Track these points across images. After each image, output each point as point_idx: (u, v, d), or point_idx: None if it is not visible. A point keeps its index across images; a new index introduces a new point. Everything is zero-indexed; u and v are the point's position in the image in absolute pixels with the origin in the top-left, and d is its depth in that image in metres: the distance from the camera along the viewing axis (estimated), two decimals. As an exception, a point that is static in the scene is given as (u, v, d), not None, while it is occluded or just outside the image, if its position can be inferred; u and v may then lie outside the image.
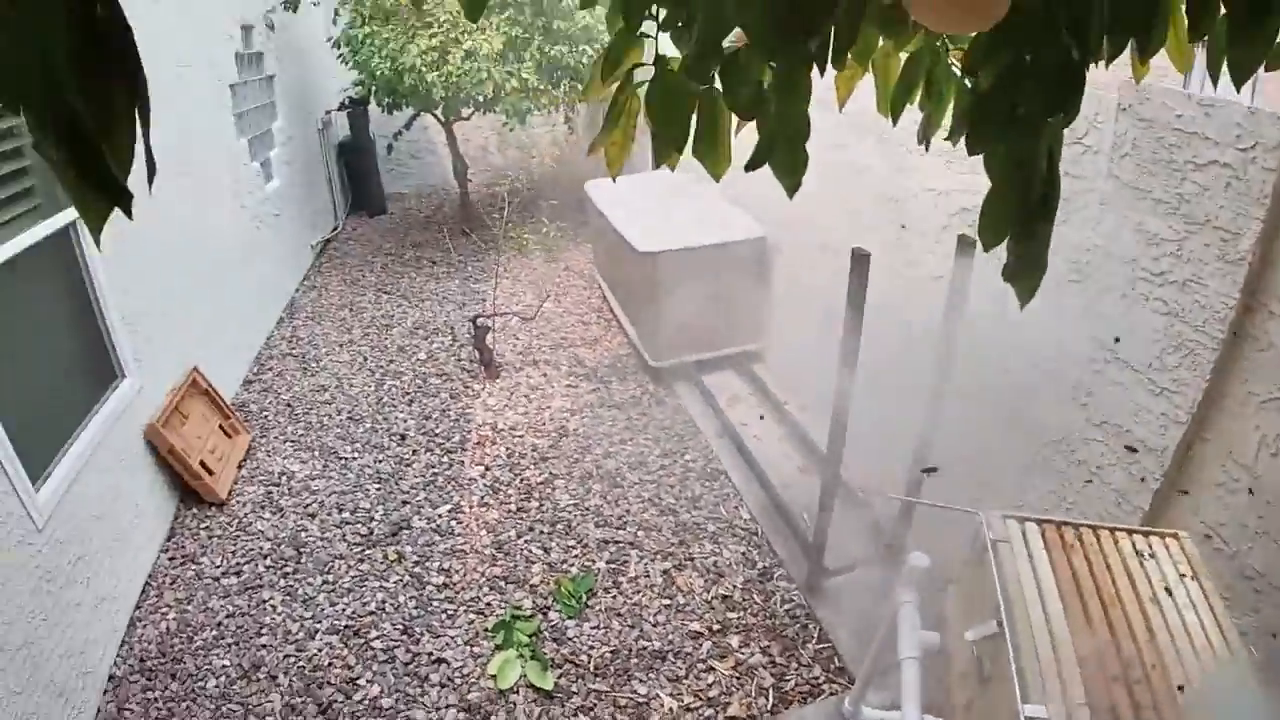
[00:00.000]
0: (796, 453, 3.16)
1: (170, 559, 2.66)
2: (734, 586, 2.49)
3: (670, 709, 2.09)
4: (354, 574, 2.57)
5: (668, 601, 2.43)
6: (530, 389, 3.68)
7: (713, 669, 2.21)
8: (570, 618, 2.37)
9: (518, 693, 2.13)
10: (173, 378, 3.00)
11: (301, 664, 2.25)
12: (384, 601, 2.44)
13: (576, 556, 2.62)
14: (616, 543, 2.67)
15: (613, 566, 2.57)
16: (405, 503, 2.91)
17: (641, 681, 2.17)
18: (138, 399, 2.68)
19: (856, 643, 2.26)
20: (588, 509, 2.82)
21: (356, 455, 3.20)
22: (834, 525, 2.36)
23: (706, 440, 3.28)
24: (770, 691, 2.14)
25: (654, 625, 2.35)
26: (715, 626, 2.35)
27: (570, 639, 2.30)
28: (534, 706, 2.10)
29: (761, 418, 3.41)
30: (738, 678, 2.19)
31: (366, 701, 2.12)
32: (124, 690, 2.19)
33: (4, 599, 1.82)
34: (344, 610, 2.42)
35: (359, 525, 2.79)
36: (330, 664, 2.24)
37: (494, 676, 2.16)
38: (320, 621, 2.39)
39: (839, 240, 2.74)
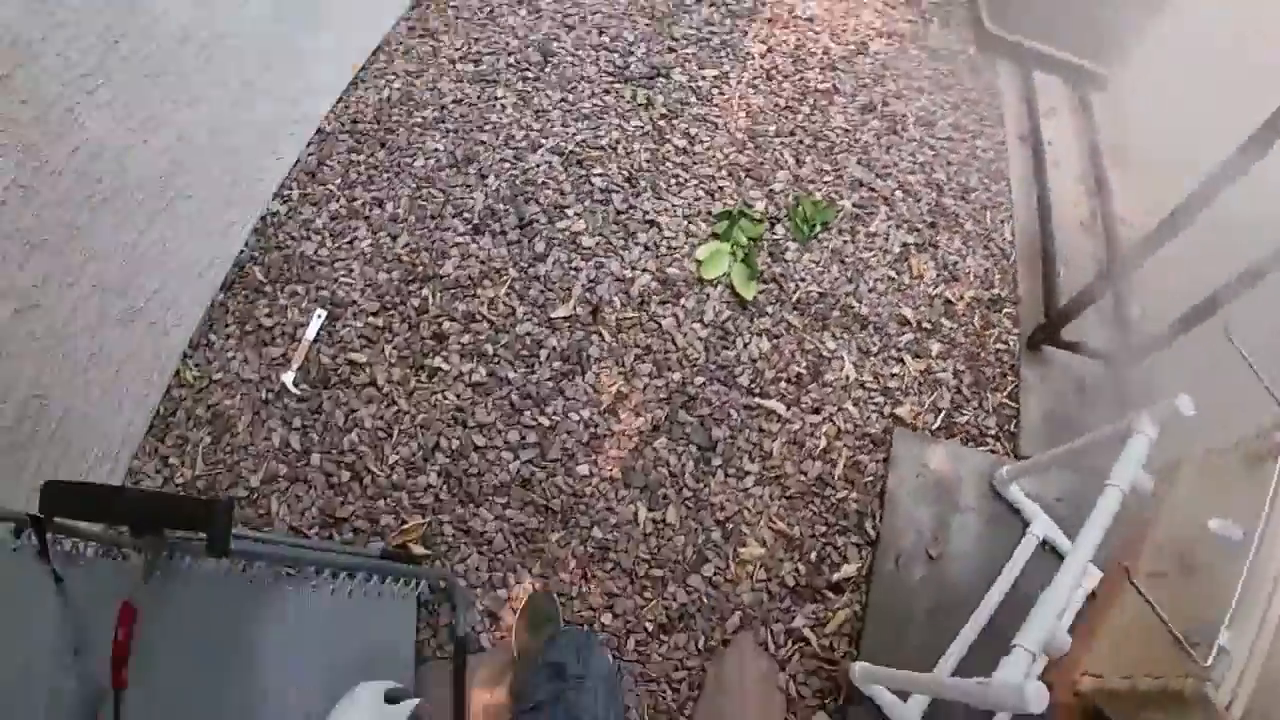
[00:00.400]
0: (1088, 205, 2.50)
1: (410, 29, 2.53)
2: (960, 297, 2.21)
3: (847, 376, 2.05)
4: (596, 103, 2.40)
5: (893, 275, 2.21)
6: (838, -20, 2.89)
7: (902, 361, 2.10)
8: (795, 240, 2.20)
9: (715, 287, 2.11)
10: None
11: (515, 173, 2.25)
12: (617, 142, 2.31)
13: (827, 184, 2.33)
14: (871, 190, 2.34)
15: (857, 212, 2.29)
16: (671, 50, 2.56)
17: (834, 337, 2.10)
18: None
19: (1042, 424, 2.06)
20: (856, 141, 2.42)
21: (629, -25, 2.73)
22: (1094, 308, 1.93)
23: (1005, 136, 2.62)
24: (941, 415, 2.04)
25: (869, 289, 2.18)
26: (925, 324, 2.16)
27: (787, 261, 2.18)
28: (724, 308, 2.09)
29: (1072, 149, 2.62)
30: (920, 383, 2.08)
31: (568, 233, 2.16)
32: (329, 146, 2.28)
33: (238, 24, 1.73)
34: (574, 135, 2.33)
35: (615, 55, 2.52)
36: (544, 183, 2.24)
37: (699, 262, 2.12)
38: (547, 139, 2.32)
39: None
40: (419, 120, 2.36)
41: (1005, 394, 2.12)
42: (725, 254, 2.12)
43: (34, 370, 1.47)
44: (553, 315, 2.03)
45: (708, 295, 2.10)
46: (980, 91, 2.71)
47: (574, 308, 2.05)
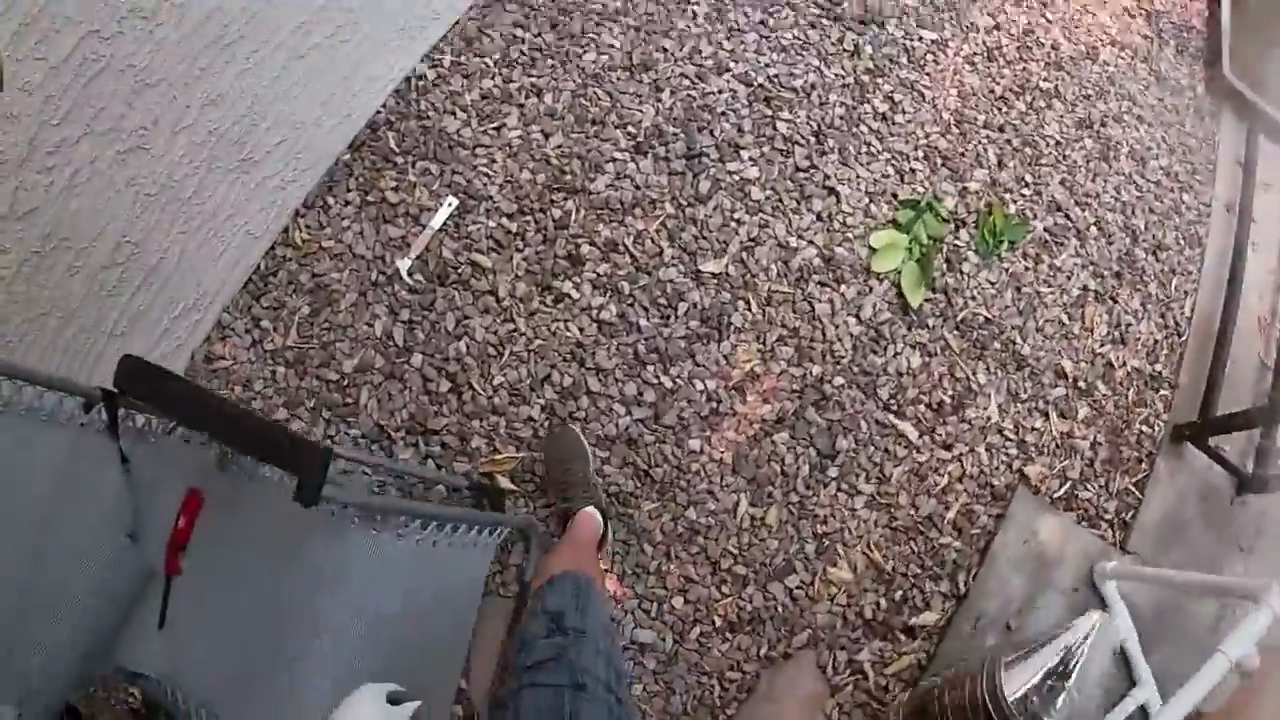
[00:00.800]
0: (1272, 301, 2.26)
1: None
2: (1123, 363, 2.02)
3: (988, 417, 1.88)
4: (797, 35, 2.07)
5: (1065, 319, 2.00)
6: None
7: (1047, 416, 1.93)
8: (977, 252, 1.96)
9: (881, 282, 1.89)
10: None
11: (694, 94, 1.96)
12: (812, 87, 2.01)
13: (1024, 197, 2.06)
14: (1067, 218, 2.08)
15: (1047, 238, 2.05)
16: None
17: (987, 370, 1.91)
18: None
19: (1158, 524, 1.92)
20: (1065, 158, 2.13)
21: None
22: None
23: (1212, 199, 2.33)
24: (1066, 485, 1.90)
25: (1037, 328, 1.96)
26: (1081, 383, 1.97)
27: (963, 274, 1.95)
28: (885, 308, 1.88)
29: (1275, 236, 2.35)
30: (1056, 445, 1.92)
31: (738, 179, 1.90)
32: (494, 15, 1.97)
33: None
34: (766, 66, 2.02)
35: (819, 10, 2.15)
36: (723, 114, 1.95)
37: (872, 249, 1.89)
38: (736, 63, 2.00)
39: None
40: (599, 7, 2.03)
41: (1134, 480, 1.98)
42: (901, 248, 1.88)
43: (130, 216, 1.32)
44: (701, 267, 1.82)
45: (870, 289, 1.88)
46: (1200, 140, 2.40)
47: (726, 265, 1.83)
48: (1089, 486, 1.94)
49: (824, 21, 2.10)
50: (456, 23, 1.95)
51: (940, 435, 1.85)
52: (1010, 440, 1.90)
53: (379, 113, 1.86)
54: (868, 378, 1.83)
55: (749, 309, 1.81)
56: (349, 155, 1.84)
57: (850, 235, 1.89)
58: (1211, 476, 2.00)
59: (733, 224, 1.86)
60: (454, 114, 1.88)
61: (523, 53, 1.95)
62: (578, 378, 1.73)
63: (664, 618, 1.67)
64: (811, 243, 1.87)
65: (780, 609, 1.72)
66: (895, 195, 1.94)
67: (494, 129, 1.88)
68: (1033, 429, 1.92)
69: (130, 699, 1.43)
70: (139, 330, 1.50)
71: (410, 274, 1.75)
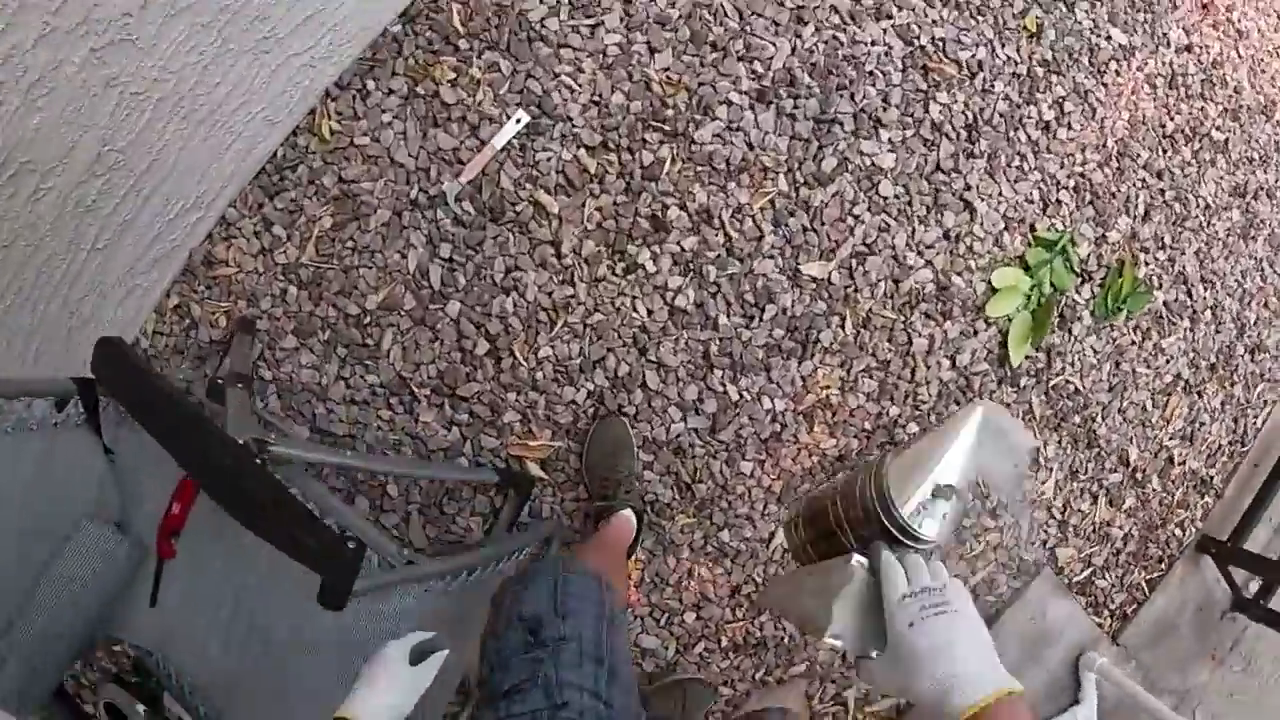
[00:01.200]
0: None
1: None
2: (1183, 460, 1.91)
3: (1042, 492, 1.75)
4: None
5: (1149, 406, 1.83)
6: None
7: (1095, 500, 1.82)
8: (1094, 314, 1.73)
9: (988, 328, 1.65)
10: None
11: (841, 39, 1.56)
12: (980, 66, 1.63)
13: (1156, 260, 1.80)
14: (1189, 294, 1.85)
15: (1164, 313, 1.82)
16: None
17: (1058, 444, 1.75)
18: None
19: (1152, 625, 1.93)
20: (1208, 225, 1.87)
21: None
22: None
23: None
24: (1089, 571, 1.85)
25: (1119, 410, 1.80)
26: (1139, 474, 1.86)
27: (1072, 335, 1.72)
28: (982, 356, 1.65)
29: None
30: (1093, 531, 1.84)
31: (869, 164, 1.54)
32: None
33: None
34: (933, 24, 1.61)
35: None
36: (871, 74, 1.57)
37: (992, 288, 1.63)
38: (899, 10, 1.58)
39: None
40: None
41: (1148, 578, 1.94)
42: (1021, 293, 1.64)
43: (112, 122, 1.08)
44: (803, 267, 1.52)
45: (975, 331, 1.64)
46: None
47: (831, 271, 1.54)
48: (1107, 576, 1.89)
49: (1005, -15, 1.70)
50: None
51: (992, 503, 1.72)
52: (1055, 519, 1.79)
53: (449, -30, 1.40)
54: (942, 430, 1.64)
55: (842, 328, 1.55)
56: (400, 27, 1.40)
57: (973, 264, 1.62)
58: (1215, 590, 1.98)
59: (850, 220, 1.55)
60: (542, -3, 1.44)
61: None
62: (635, 368, 1.47)
63: (672, 629, 1.58)
64: (930, 264, 1.59)
65: (787, 640, 1.65)
66: (1033, 227, 1.66)
67: (588, 26, 1.46)
68: (1078, 510, 1.82)
69: (122, 665, 1.32)
70: (126, 240, 1.23)
71: (458, 199, 1.39)
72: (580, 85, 1.46)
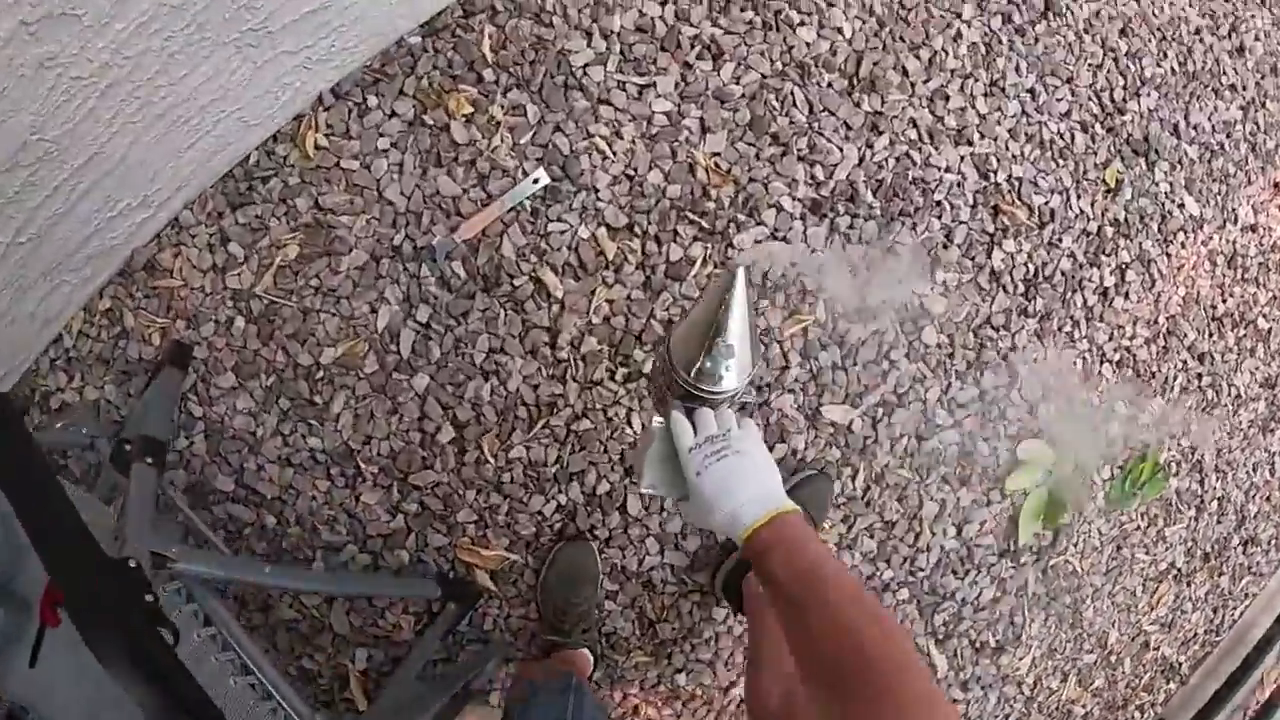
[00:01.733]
0: None
1: None
2: (1157, 646, 1.83)
3: (1019, 669, 1.64)
4: (1061, 134, 1.50)
5: (1138, 592, 1.74)
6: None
7: (1066, 680, 1.72)
8: (1107, 497, 1.61)
9: (1002, 499, 1.51)
10: None
11: (914, 157, 1.40)
12: (1051, 214, 1.48)
13: (1179, 446, 1.69)
14: (1200, 485, 1.74)
15: (1173, 503, 1.72)
16: (1175, 133, 1.62)
17: (1043, 624, 1.64)
18: None
19: None
20: (1232, 417, 1.77)
21: None
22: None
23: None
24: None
25: (1109, 594, 1.70)
26: (1113, 656, 1.77)
27: (1082, 516, 1.60)
28: (989, 529, 1.51)
29: None
30: (1056, 709, 1.74)
31: (917, 302, 1.40)
32: None
33: None
34: (1013, 159, 1.46)
35: (1120, 85, 1.55)
36: (940, 203, 1.41)
37: (1016, 458, 1.49)
38: (982, 138, 1.44)
39: None
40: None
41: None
42: (1042, 470, 1.51)
43: (43, 108, 0.90)
44: (824, 409, 1.35)
45: (989, 502, 1.51)
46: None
47: (853, 419, 1.38)
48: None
49: (1097, 131, 1.55)
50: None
51: (965, 675, 1.59)
52: (1024, 695, 1.69)
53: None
54: (932, 598, 1.51)
55: (853, 481, 1.39)
56: (419, 39, 1.17)
57: (1002, 431, 1.48)
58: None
59: (885, 364, 1.39)
60: (590, 34, 1.22)
61: (724, -12, 1.28)
62: (617, 489, 1.28)
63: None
64: (958, 425, 1.44)
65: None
66: (1069, 400, 1.53)
67: (638, 86, 1.25)
68: (1048, 689, 1.72)
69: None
70: (56, 233, 1.06)
71: (449, 257, 1.17)
72: (615, 153, 1.25)
